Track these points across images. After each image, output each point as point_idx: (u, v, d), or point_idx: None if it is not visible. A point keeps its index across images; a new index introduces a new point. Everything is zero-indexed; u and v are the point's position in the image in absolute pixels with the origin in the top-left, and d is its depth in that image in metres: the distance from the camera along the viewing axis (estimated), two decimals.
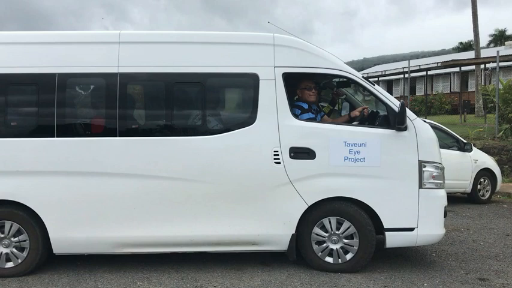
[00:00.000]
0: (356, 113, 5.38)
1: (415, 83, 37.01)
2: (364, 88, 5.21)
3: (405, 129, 4.99)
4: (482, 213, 8.97)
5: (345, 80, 5.46)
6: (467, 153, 9.83)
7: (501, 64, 17.28)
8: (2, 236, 4.96)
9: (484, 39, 55.66)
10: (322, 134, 5.02)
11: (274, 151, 4.94)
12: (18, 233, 4.97)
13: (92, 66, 4.99)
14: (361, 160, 4.97)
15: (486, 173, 10.06)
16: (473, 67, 26.04)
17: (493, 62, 18.85)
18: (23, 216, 4.92)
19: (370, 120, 5.40)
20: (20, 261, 4.98)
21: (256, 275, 5.04)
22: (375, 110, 5.59)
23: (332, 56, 5.30)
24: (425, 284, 4.84)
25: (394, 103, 5.08)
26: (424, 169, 5.01)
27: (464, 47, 56.18)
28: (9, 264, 4.99)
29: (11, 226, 4.95)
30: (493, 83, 19.85)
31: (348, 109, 5.86)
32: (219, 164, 4.93)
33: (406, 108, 5.01)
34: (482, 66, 24.44)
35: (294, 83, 5.43)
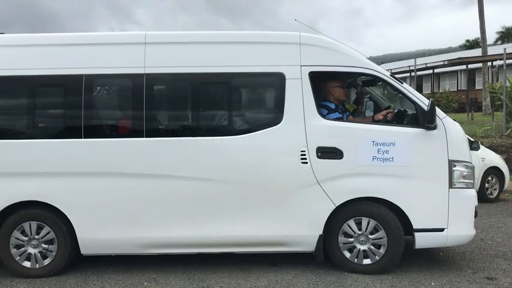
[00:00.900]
0: (380, 116, 5.28)
1: (421, 82, 36.82)
2: (392, 86, 5.12)
3: (435, 128, 4.90)
4: (490, 211, 8.92)
5: (370, 78, 5.40)
6: (474, 151, 9.74)
7: (508, 61, 17.10)
8: (37, 237, 4.97)
9: (491, 37, 55.26)
10: (350, 133, 4.96)
11: (301, 151, 4.89)
12: (50, 241, 4.98)
13: (118, 67, 5.00)
14: (390, 160, 4.89)
15: (494, 171, 9.98)
16: (480, 65, 25.90)
17: (500, 59, 18.70)
18: (59, 227, 4.93)
19: (397, 119, 5.31)
20: (37, 266, 5.00)
21: (263, 275, 5.04)
22: (402, 109, 5.49)
23: (358, 54, 5.23)
24: (432, 284, 4.81)
25: (423, 101, 4.97)
26: (454, 168, 4.92)
27: (471, 44, 55.77)
28: (27, 264, 4.99)
29: (48, 233, 4.96)
30: (500, 80, 19.70)
31: (372, 108, 5.76)
32: (246, 164, 4.90)
33: (436, 107, 4.91)
34: (489, 63, 24.27)
35: (319, 82, 5.35)
